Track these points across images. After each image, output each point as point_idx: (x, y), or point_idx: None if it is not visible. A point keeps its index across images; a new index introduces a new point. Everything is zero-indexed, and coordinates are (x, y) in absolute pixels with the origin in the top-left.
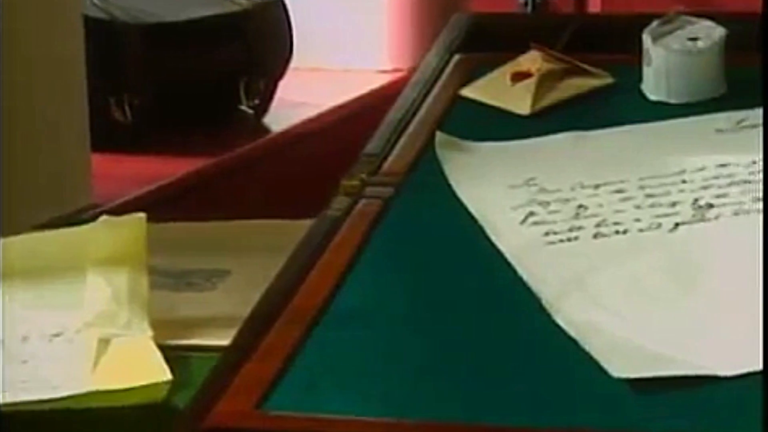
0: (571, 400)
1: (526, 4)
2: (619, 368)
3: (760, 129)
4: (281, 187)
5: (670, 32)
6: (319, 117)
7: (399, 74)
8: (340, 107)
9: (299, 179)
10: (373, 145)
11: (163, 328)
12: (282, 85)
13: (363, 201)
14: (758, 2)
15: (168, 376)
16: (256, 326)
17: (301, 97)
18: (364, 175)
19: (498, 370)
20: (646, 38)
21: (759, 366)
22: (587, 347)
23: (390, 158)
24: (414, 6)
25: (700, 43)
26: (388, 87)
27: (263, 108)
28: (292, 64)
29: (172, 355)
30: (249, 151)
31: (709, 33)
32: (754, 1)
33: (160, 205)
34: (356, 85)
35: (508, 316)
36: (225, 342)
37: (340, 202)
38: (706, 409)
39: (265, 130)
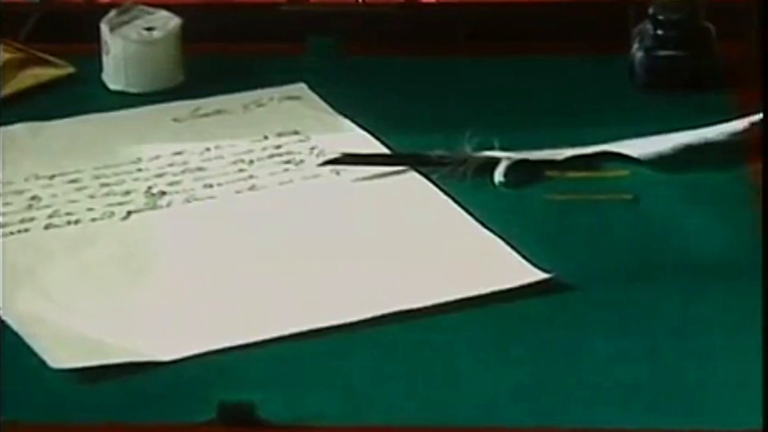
0: (16, 394)
1: None
2: (60, 360)
3: (215, 117)
4: None
5: (128, 22)
6: None
7: None
8: None
9: None
10: None
11: None
12: None
13: None
14: None
15: None
16: None
17: None
18: None
19: None
20: (104, 28)
21: (197, 350)
22: (29, 340)
23: None
24: None
25: (156, 33)
26: None
27: None
28: None
29: None
30: None
31: (165, 23)
32: None
33: None
34: None
35: None
36: None
37: None
38: (146, 394)
39: None
